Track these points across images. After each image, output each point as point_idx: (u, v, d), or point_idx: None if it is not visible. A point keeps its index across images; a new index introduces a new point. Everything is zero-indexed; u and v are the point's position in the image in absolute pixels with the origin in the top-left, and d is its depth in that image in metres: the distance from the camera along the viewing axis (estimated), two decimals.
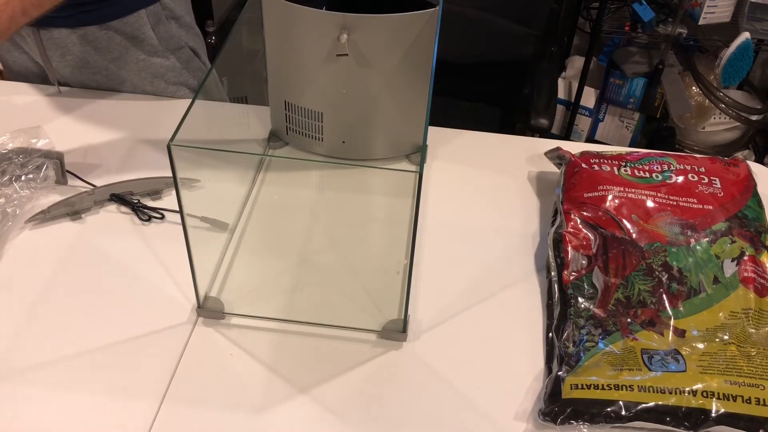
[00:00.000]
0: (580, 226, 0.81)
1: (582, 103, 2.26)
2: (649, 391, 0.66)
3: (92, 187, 0.92)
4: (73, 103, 1.09)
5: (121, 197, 0.91)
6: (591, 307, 0.75)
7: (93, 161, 0.98)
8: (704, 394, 0.65)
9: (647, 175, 0.87)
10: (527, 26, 1.61)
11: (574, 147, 0.96)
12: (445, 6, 0.88)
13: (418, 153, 1.00)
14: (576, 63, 2.32)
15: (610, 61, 2.26)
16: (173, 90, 1.14)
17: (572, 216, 0.82)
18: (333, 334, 0.76)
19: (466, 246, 0.88)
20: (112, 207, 0.91)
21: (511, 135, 1.10)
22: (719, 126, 2.29)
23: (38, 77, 1.16)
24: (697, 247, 0.78)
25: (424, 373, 0.73)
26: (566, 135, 2.33)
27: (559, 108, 2.31)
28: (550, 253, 0.82)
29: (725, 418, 0.64)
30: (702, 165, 0.88)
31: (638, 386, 0.66)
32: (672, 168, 0.88)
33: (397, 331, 0.75)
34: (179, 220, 0.74)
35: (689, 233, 0.79)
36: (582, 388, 0.67)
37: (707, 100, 2.20)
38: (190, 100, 0.71)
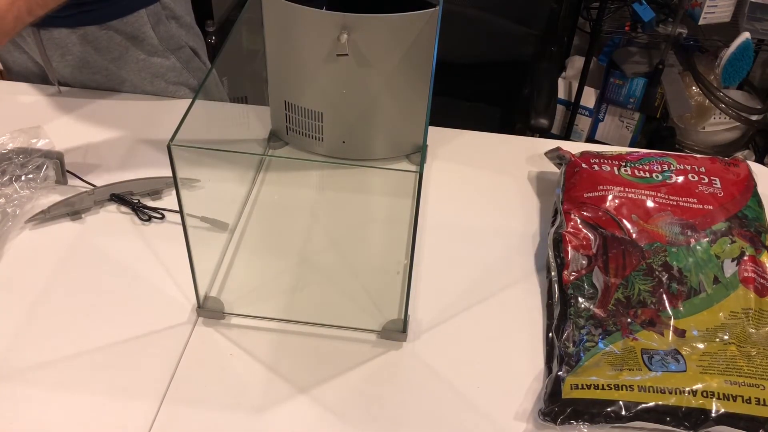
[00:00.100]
0: (580, 226, 0.81)
1: (582, 103, 2.26)
2: (649, 391, 0.66)
3: (92, 187, 0.92)
4: (73, 103, 1.09)
5: (121, 197, 0.91)
6: (591, 307, 0.75)
7: (93, 161, 0.98)
8: (704, 394, 0.65)
9: (647, 175, 0.87)
10: (527, 26, 1.61)
11: (574, 147, 0.96)
12: (445, 6, 0.88)
13: (418, 153, 1.00)
14: (576, 63, 2.32)
15: (610, 61, 2.26)
16: (173, 90, 1.14)
17: (572, 216, 0.82)
18: (333, 334, 0.76)
19: (466, 246, 0.88)
20: (112, 207, 0.91)
21: (511, 135, 1.10)
22: (719, 126, 2.29)
23: (38, 77, 1.16)
24: (697, 247, 0.78)
25: (424, 373, 0.73)
26: (566, 135, 2.33)
27: (559, 108, 2.31)
28: (550, 253, 0.82)
29: (725, 418, 0.64)
30: (702, 165, 0.88)
31: (638, 386, 0.66)
32: (672, 168, 0.88)
33: (397, 331, 0.75)
34: (179, 220, 0.74)
35: (689, 233, 0.79)
36: (582, 388, 0.67)
37: (707, 100, 2.20)
38: (190, 100, 0.71)
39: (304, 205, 0.95)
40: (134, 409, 0.68)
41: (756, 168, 0.93)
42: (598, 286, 0.76)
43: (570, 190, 0.87)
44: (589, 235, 0.80)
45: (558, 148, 0.95)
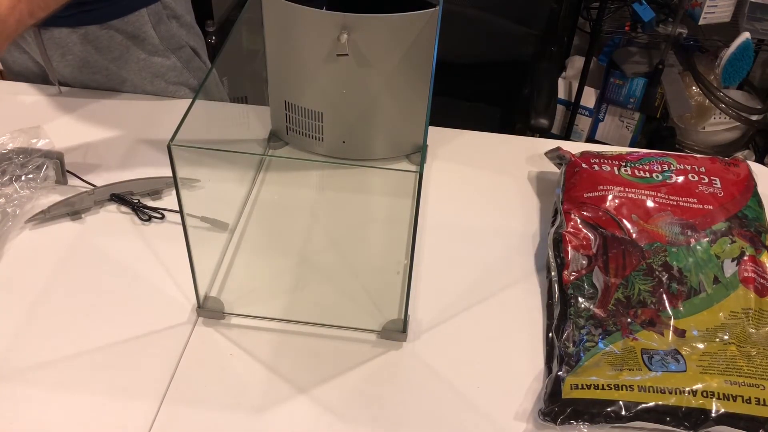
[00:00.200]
0: (580, 226, 0.81)
1: (582, 103, 2.26)
2: (649, 391, 0.66)
3: (92, 187, 0.92)
4: (74, 103, 1.09)
5: (121, 197, 0.91)
6: (591, 307, 0.75)
7: (93, 161, 0.98)
8: (704, 394, 0.65)
9: (647, 175, 0.87)
10: (527, 26, 1.61)
11: (574, 147, 0.96)
12: (445, 6, 0.88)
13: (418, 153, 1.00)
14: (576, 63, 2.32)
15: (610, 61, 2.26)
16: (173, 90, 1.14)
17: (572, 216, 0.82)
18: (333, 334, 0.76)
19: (466, 246, 0.88)
20: (112, 207, 0.91)
21: (511, 135, 1.10)
22: (719, 126, 2.29)
23: (38, 77, 1.16)
24: (697, 247, 0.78)
25: (424, 373, 0.73)
26: (566, 135, 2.33)
27: (559, 108, 2.31)
28: (550, 253, 0.82)
29: (725, 418, 0.64)
30: (702, 165, 0.88)
31: (638, 386, 0.66)
32: (672, 168, 0.88)
33: (397, 331, 0.75)
34: (179, 220, 0.74)
35: (689, 233, 0.79)
36: (582, 388, 0.67)
37: (707, 100, 2.20)
38: (190, 100, 0.71)
39: (304, 205, 0.95)
40: (134, 409, 0.68)
41: (756, 168, 0.93)
42: (598, 286, 0.76)
43: (570, 190, 0.87)
44: (589, 235, 0.80)
45: (558, 148, 0.95)
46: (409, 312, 0.78)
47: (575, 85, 2.21)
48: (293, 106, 0.96)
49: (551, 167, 0.99)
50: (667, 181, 0.86)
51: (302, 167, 1.02)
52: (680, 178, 0.86)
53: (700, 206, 0.82)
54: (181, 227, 0.74)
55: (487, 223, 0.91)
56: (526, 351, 0.75)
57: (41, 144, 0.96)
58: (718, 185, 0.85)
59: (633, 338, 0.72)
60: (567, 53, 2.38)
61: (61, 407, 0.68)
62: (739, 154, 2.31)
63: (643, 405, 0.65)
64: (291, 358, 0.73)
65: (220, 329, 0.76)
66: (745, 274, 0.76)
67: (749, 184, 0.86)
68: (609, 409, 0.65)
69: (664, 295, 0.75)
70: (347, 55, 0.87)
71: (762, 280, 0.76)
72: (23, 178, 0.91)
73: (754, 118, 2.23)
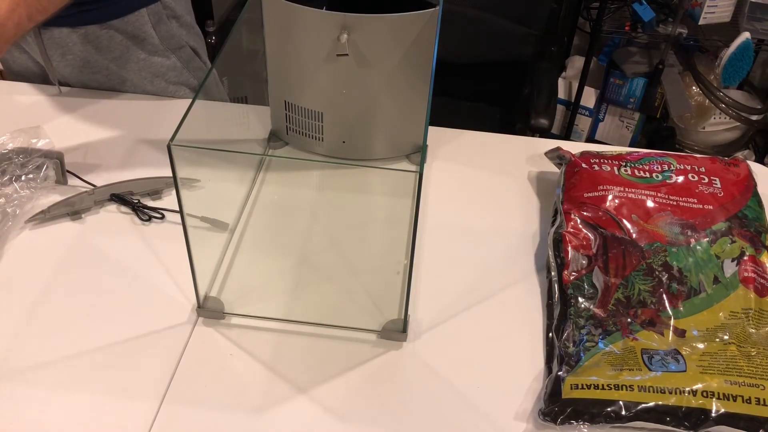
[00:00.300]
0: (580, 226, 0.81)
1: (582, 103, 2.26)
2: (649, 391, 0.66)
3: (92, 187, 0.92)
4: (74, 103, 1.09)
5: (121, 197, 0.91)
6: (591, 307, 0.75)
7: (93, 161, 0.98)
8: (704, 394, 0.65)
9: (647, 175, 0.87)
10: (527, 26, 1.61)
11: (574, 147, 0.96)
12: (445, 6, 0.88)
13: (418, 153, 1.00)
14: (576, 63, 2.32)
15: (610, 61, 2.26)
16: (174, 90, 1.14)
17: (572, 216, 0.82)
18: (333, 334, 0.76)
19: (466, 246, 0.88)
20: (112, 207, 0.91)
21: (511, 135, 1.10)
22: (719, 126, 2.29)
23: (39, 77, 1.16)
24: (697, 247, 0.78)
25: (424, 373, 0.73)
26: (566, 135, 2.33)
27: (559, 108, 2.31)
28: (550, 253, 0.82)
29: (725, 418, 0.64)
30: (702, 165, 0.88)
31: (638, 386, 0.66)
32: (672, 168, 0.88)
33: (397, 331, 0.75)
34: (179, 220, 0.74)
35: (689, 233, 0.79)
36: (582, 388, 0.67)
37: (707, 100, 2.20)
38: (190, 100, 0.71)
39: (304, 205, 0.95)
40: (134, 409, 0.68)
41: (756, 168, 0.93)
42: (598, 286, 0.76)
43: (570, 190, 0.87)
44: (589, 235, 0.80)
45: (558, 148, 0.95)
46: (409, 312, 0.78)
47: (575, 85, 2.21)
48: (293, 106, 0.96)
49: (551, 167, 0.99)
50: (667, 181, 0.86)
51: (302, 167, 1.02)
52: (680, 178, 0.86)
53: (700, 206, 0.82)
54: (181, 227, 0.74)
55: (487, 223, 0.91)
56: (526, 351, 0.75)
57: (41, 144, 0.96)
58: (718, 185, 0.85)
59: (633, 338, 0.72)
60: (567, 53, 2.38)
61: (61, 407, 0.68)
62: (739, 154, 2.31)
63: (643, 405, 0.65)
64: (291, 358, 0.73)
65: (220, 329, 0.76)
66: (745, 274, 0.76)
67: (749, 184, 0.86)
68: (609, 409, 0.65)
69: (664, 295, 0.75)
70: (347, 55, 0.87)
71: (762, 280, 0.76)
72: (23, 178, 0.91)
73: (754, 118, 2.23)
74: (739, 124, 2.27)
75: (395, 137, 0.98)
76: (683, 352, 0.70)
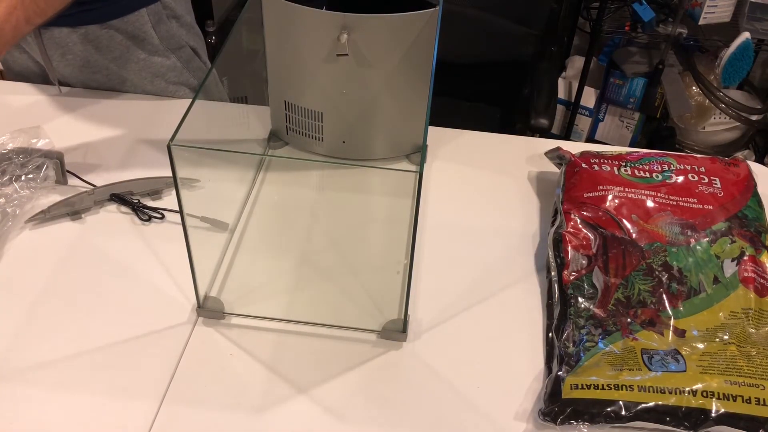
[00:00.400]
0: (580, 226, 0.81)
1: (582, 103, 2.26)
2: (649, 391, 0.66)
3: (92, 187, 0.92)
4: (74, 102, 1.09)
5: (121, 197, 0.91)
6: (591, 307, 0.75)
7: (93, 161, 0.98)
8: (704, 394, 0.65)
9: (647, 175, 0.87)
10: (527, 26, 1.61)
11: (574, 147, 0.96)
12: (445, 6, 0.88)
13: (418, 153, 1.00)
14: (576, 63, 2.32)
15: (610, 61, 2.26)
16: (173, 89, 1.14)
17: (572, 216, 0.82)
18: (333, 334, 0.76)
19: (466, 246, 0.88)
20: (112, 207, 0.91)
21: (511, 135, 1.10)
22: (719, 126, 2.29)
23: (39, 77, 1.16)
24: (697, 247, 0.78)
25: (424, 373, 0.73)
26: (566, 135, 2.33)
27: (559, 108, 2.31)
28: (550, 253, 0.82)
29: (725, 418, 0.64)
30: (702, 165, 0.88)
31: (638, 386, 0.66)
32: (672, 168, 0.88)
33: (397, 331, 0.75)
34: (179, 220, 0.74)
35: (689, 233, 0.79)
36: (582, 388, 0.67)
37: (707, 100, 2.20)
38: (190, 100, 0.71)
39: (304, 205, 0.95)
40: (134, 409, 0.68)
41: (756, 168, 0.93)
42: (598, 286, 0.76)
43: (570, 190, 0.87)
44: (589, 235, 0.80)
45: (558, 148, 0.95)
46: (409, 312, 0.78)
47: (575, 85, 2.21)
48: (293, 106, 0.96)
49: (551, 167, 0.99)
50: (667, 181, 0.86)
51: (302, 167, 1.02)
52: (680, 178, 0.86)
53: (700, 206, 0.82)
54: (181, 227, 0.74)
55: (487, 223, 0.91)
56: (526, 351, 0.75)
57: (41, 144, 0.96)
58: (718, 185, 0.85)
59: (633, 338, 0.72)
60: (567, 53, 2.38)
61: (61, 407, 0.68)
62: (739, 154, 2.31)
63: (643, 405, 0.65)
64: (291, 358, 0.73)
65: (220, 329, 0.76)
66: (745, 274, 0.76)
67: (749, 184, 0.86)
68: (609, 409, 0.65)
69: (664, 295, 0.75)
70: (347, 55, 0.87)
71: (762, 280, 0.76)
72: (23, 178, 0.91)
73: (754, 118, 2.23)
74: (739, 124, 2.27)
75: (395, 137, 0.98)
76: (683, 352, 0.70)
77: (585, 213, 0.82)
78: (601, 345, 0.71)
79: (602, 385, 0.67)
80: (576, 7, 2.22)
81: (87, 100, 1.10)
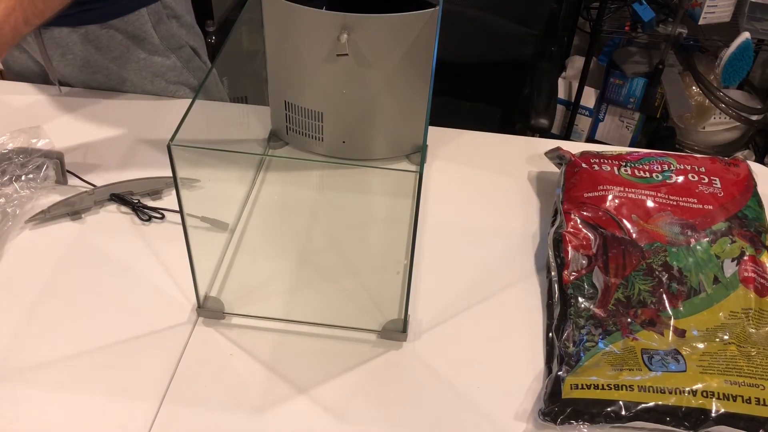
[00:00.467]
0: (580, 226, 0.81)
1: (582, 103, 2.26)
2: (649, 391, 0.66)
3: (92, 187, 0.92)
4: (74, 102, 1.09)
5: (121, 197, 0.91)
6: (591, 307, 0.75)
7: (93, 161, 0.98)
8: (704, 394, 0.65)
9: (647, 175, 0.87)
10: (527, 26, 1.61)
11: (574, 147, 0.96)
12: (445, 6, 0.88)
13: (418, 153, 1.00)
14: (576, 63, 2.32)
15: (610, 61, 2.26)
16: (174, 89, 1.14)
17: (572, 216, 0.82)
18: (333, 334, 0.76)
19: (466, 246, 0.88)
20: (112, 207, 0.91)
21: (511, 135, 1.10)
22: (719, 126, 2.29)
23: (39, 77, 1.16)
24: (697, 247, 0.78)
25: (424, 373, 0.73)
26: (566, 135, 2.33)
27: (559, 108, 2.31)
28: (550, 253, 0.82)
29: (725, 418, 0.64)
30: (702, 165, 0.88)
31: (638, 386, 0.66)
32: (672, 168, 0.88)
33: (397, 331, 0.75)
34: (179, 220, 0.74)
35: (689, 233, 0.79)
36: (582, 388, 0.67)
37: (707, 100, 2.20)
38: (190, 100, 0.71)
39: (304, 205, 0.95)
40: (134, 409, 0.68)
41: (756, 168, 0.93)
42: (598, 286, 0.76)
43: (570, 190, 0.87)
44: (589, 235, 0.80)
45: (558, 148, 0.95)
46: (409, 312, 0.78)
47: (575, 85, 2.21)
48: (293, 106, 0.96)
49: (551, 167, 0.99)
50: (667, 181, 0.86)
51: (302, 167, 1.02)
52: (680, 178, 0.86)
53: (700, 206, 0.82)
54: (181, 227, 0.74)
55: (487, 223, 0.91)
56: (526, 351, 0.75)
57: (41, 144, 0.96)
58: (718, 185, 0.85)
59: (633, 338, 0.72)
60: (567, 53, 2.38)
61: (61, 407, 0.68)
62: (739, 154, 2.31)
63: (643, 405, 0.65)
64: (291, 358, 0.73)
65: (220, 329, 0.76)
66: (745, 274, 0.76)
67: (749, 184, 0.86)
68: (609, 409, 0.65)
69: (664, 295, 0.75)
70: (347, 55, 0.87)
71: (762, 280, 0.76)
72: (23, 178, 0.91)
73: (754, 118, 2.23)
74: (739, 124, 2.27)
75: (395, 137, 0.98)
76: (683, 352, 0.70)
77: (585, 213, 0.82)
78: (601, 345, 0.71)
79: (602, 385, 0.67)
80: (576, 7, 2.22)
81: (87, 100, 1.10)
